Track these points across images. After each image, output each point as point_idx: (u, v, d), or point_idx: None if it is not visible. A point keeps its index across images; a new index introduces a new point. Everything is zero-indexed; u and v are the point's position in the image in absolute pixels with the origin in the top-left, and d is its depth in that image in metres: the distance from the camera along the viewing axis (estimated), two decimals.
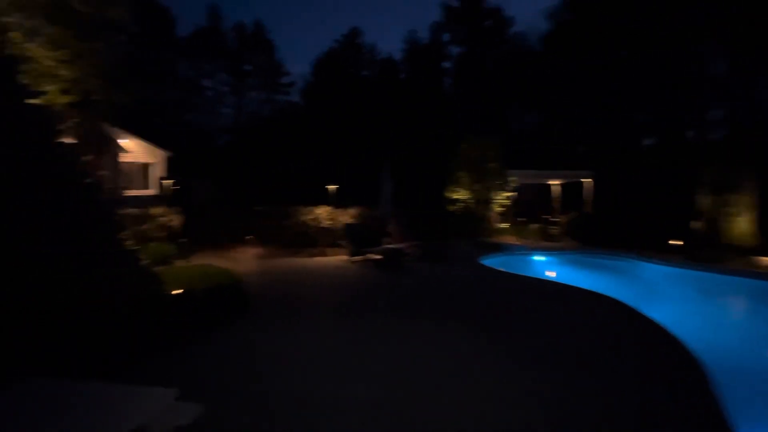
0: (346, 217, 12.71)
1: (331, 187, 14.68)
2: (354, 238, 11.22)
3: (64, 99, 8.56)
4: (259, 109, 39.89)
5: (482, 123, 26.26)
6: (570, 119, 27.03)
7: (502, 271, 9.46)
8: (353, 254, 10.92)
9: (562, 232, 15.28)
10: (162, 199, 16.21)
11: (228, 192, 20.19)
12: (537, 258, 12.08)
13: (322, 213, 12.67)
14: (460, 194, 16.24)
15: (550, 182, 17.95)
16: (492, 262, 10.57)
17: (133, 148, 17.15)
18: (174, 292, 6.39)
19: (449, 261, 11.07)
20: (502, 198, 16.30)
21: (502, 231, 15.89)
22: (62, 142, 4.87)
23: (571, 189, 17.69)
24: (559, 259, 11.88)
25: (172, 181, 18.47)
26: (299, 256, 11.83)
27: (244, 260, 11.34)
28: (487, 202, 16.05)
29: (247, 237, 12.99)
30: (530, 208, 17.55)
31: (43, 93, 7.09)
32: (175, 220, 11.02)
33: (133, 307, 4.53)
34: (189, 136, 31.89)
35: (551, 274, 11.02)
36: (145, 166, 19.51)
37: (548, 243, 14.58)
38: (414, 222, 12.99)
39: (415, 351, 4.89)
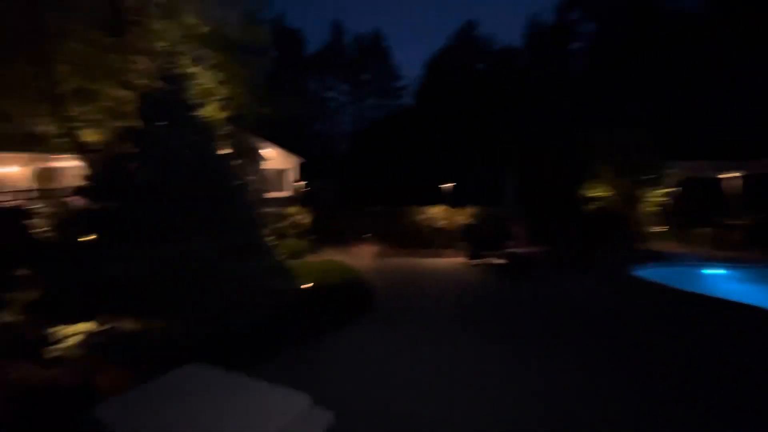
0: (463, 217, 12.08)
1: (447, 186, 14.12)
2: (473, 239, 10.53)
3: (221, 114, 10.01)
4: (374, 114, 41.84)
5: (625, 108, 22.31)
6: (749, 97, 21.01)
7: (667, 288, 7.51)
8: (472, 257, 10.23)
9: (747, 238, 11.79)
10: (295, 200, 18.03)
11: (348, 193, 21.47)
12: (718, 272, 9.29)
13: (437, 213, 12.29)
14: (600, 192, 13.97)
15: (724, 176, 14.11)
16: (650, 274, 8.57)
17: (272, 156, 19.58)
18: (305, 285, 6.82)
19: (589, 270, 9.46)
20: (657, 195, 13.44)
21: (658, 236, 13.08)
22: (218, 150, 5.51)
23: (758, 184, 13.59)
24: (758, 274, 8.85)
25: (303, 183, 20.42)
26: (414, 256, 11.69)
27: (363, 257, 11.70)
28: (635, 200, 13.44)
29: (365, 235, 13.48)
30: (696, 208, 14.07)
31: (201, 106, 8.32)
32: (306, 218, 12.03)
33: (270, 299, 4.83)
34: (315, 143, 35.24)
35: (739, 295, 8.35)
36: (281, 171, 22.09)
37: (727, 252, 11.39)
38: (542, 223, 11.60)
39: (557, 394, 4.02)
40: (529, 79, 25.54)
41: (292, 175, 22.21)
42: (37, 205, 9.83)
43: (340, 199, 21.43)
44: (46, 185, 13.28)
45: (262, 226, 5.28)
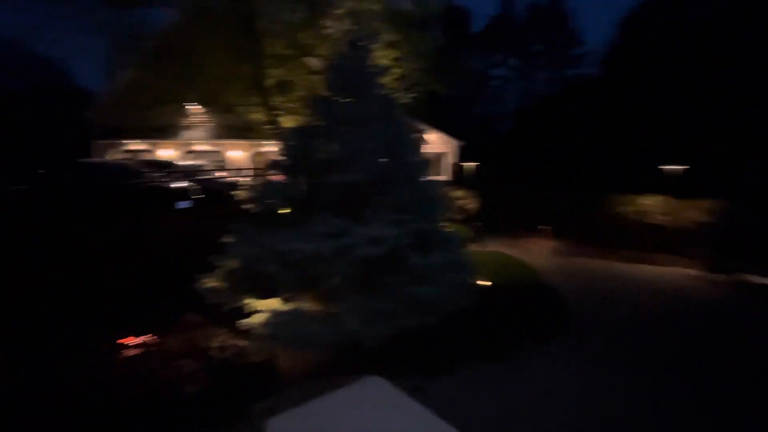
0: (695, 212, 8.73)
1: (671, 169, 10.43)
2: (717, 244, 7.44)
3: (396, 93, 9.74)
4: (546, 89, 37.03)
5: None
6: None
7: None
8: (714, 269, 7.23)
9: None
10: (456, 184, 17.16)
11: (515, 178, 19.31)
12: None
13: (652, 204, 9.27)
14: None
15: None
16: None
17: (432, 139, 19.18)
18: (482, 282, 5.79)
19: None
20: None
21: None
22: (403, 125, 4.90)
23: None
24: None
25: (469, 165, 19.38)
26: (611, 259, 9.15)
27: (539, 254, 9.90)
28: None
29: (541, 227, 11.53)
30: None
31: (385, 73, 8.14)
32: (471, 203, 10.99)
33: (453, 298, 3.98)
34: (476, 125, 33.43)
35: None
36: (440, 155, 21.58)
37: None
38: None
39: None
40: None
41: (451, 158, 21.47)
42: (248, 181, 11.73)
43: (505, 183, 19.48)
44: (258, 166, 16.06)
45: (444, 211, 4.45)
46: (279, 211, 4.52)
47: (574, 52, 36.57)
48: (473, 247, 9.31)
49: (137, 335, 3.72)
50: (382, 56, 9.42)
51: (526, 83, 39.41)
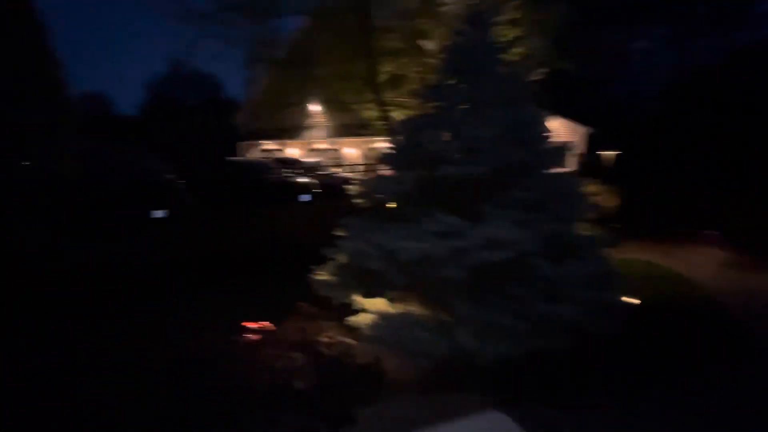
0: None
1: None
2: None
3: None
4: (708, 62, 29.74)
5: None
6: None
7: None
8: None
9: None
10: (585, 176, 15.03)
11: (666, 170, 15.97)
12: None
13: None
14: None
15: None
16: None
17: (557, 127, 17.07)
18: (627, 299, 4.75)
19: None
20: None
21: None
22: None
23: None
24: None
25: (609, 154, 16.91)
26: None
27: (703, 266, 7.81)
28: None
29: (705, 232, 9.20)
30: None
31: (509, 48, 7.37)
32: (609, 200, 9.36)
33: (594, 320, 3.20)
34: (609, 109, 28.84)
35: None
36: (565, 144, 19.20)
37: None
38: None
39: None
40: None
41: (578, 147, 18.92)
42: (360, 177, 12.13)
43: (654, 177, 16.30)
44: (371, 161, 16.61)
45: (582, 210, 3.65)
46: (388, 206, 4.35)
47: (748, 11, 28.40)
48: (613, 254, 7.87)
49: (258, 320, 3.97)
50: (503, 35, 8.59)
51: (680, 56, 32.24)
